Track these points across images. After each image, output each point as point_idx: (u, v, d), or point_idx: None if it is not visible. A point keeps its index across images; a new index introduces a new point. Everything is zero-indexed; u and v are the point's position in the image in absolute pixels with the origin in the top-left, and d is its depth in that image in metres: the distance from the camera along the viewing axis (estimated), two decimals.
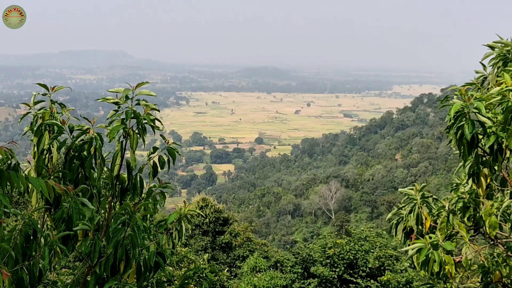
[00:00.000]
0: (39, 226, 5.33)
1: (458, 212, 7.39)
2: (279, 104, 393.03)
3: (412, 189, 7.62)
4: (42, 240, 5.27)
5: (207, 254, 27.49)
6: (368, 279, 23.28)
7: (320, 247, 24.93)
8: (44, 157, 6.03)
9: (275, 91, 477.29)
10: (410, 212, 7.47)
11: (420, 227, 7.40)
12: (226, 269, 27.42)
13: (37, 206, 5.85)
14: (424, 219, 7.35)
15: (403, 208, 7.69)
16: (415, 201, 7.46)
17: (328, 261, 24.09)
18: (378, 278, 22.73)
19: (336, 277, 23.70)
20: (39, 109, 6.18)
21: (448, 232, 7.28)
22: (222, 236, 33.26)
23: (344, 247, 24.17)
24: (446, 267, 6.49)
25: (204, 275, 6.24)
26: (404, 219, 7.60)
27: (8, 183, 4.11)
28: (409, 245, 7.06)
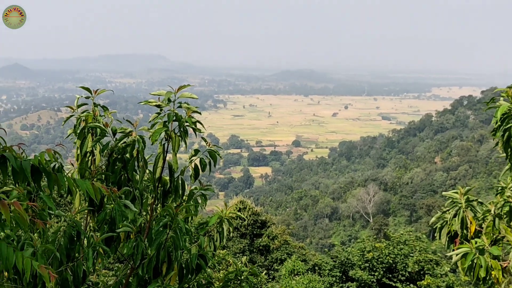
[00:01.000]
0: (82, 227, 5.38)
1: (505, 216, 7.20)
2: (316, 106, 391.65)
3: (456, 192, 7.46)
4: (85, 241, 5.32)
5: (245, 256, 27.48)
6: (408, 283, 23.02)
7: (358, 251, 24.75)
8: (87, 159, 6.09)
9: (312, 93, 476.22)
10: (454, 216, 7.31)
11: (465, 231, 7.24)
12: (264, 272, 27.39)
13: (80, 208, 5.91)
14: (469, 223, 7.18)
15: (447, 212, 7.53)
16: (459, 205, 7.29)
17: (367, 264, 23.90)
18: (417, 283, 22.41)
19: (375, 281, 23.49)
20: (82, 112, 6.24)
21: (494, 236, 7.11)
22: (260, 239, 33.23)
23: (383, 251, 23.94)
24: (493, 272, 6.34)
25: (244, 277, 6.21)
26: (448, 223, 7.43)
27: (55, 185, 4.15)
28: (453, 249, 6.92)
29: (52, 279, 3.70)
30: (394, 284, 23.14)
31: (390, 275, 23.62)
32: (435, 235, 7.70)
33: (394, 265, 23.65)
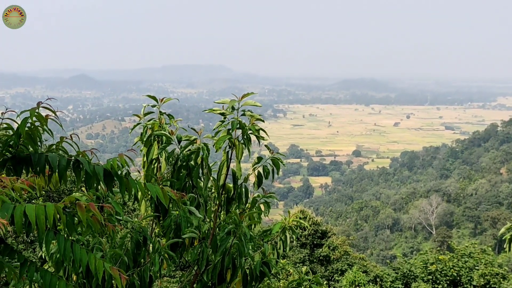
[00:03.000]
0: (148, 233, 5.49)
1: None
2: (377, 116, 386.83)
3: None
4: (151, 247, 5.42)
5: (305, 266, 27.39)
6: None
7: (421, 263, 24.28)
8: (153, 166, 6.21)
9: (373, 103, 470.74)
10: None
11: None
12: (325, 283, 27.19)
13: (146, 214, 6.02)
14: None
15: None
16: None
17: (430, 277, 23.41)
18: None
19: None
20: (149, 120, 6.37)
21: None
22: (320, 249, 33.06)
23: (447, 263, 23.40)
24: None
25: (308, 285, 6.18)
26: None
27: (126, 189, 4.26)
28: None
29: (123, 280, 3.78)
30: None
31: None
32: (504, 246, 7.49)
33: (458, 278, 23.07)
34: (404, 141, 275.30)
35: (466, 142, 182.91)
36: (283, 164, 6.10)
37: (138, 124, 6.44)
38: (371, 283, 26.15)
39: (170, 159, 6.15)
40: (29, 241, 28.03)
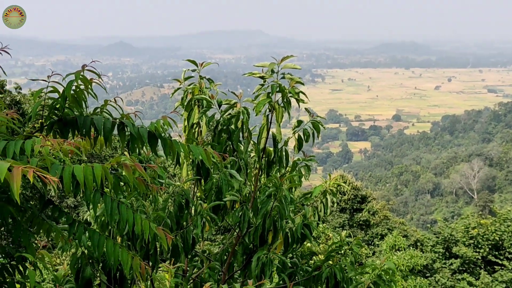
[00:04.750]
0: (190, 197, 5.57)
1: None
2: (418, 80, 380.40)
3: None
4: (193, 210, 5.50)
5: (345, 231, 27.46)
6: None
7: (463, 227, 24.13)
8: (194, 131, 6.26)
9: (414, 66, 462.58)
10: None
11: None
12: (365, 247, 27.25)
13: (187, 177, 6.10)
14: None
15: None
16: None
17: (472, 241, 23.28)
18: None
19: (480, 258, 22.86)
20: (189, 85, 6.41)
21: None
22: (360, 214, 33.06)
23: (489, 228, 23.23)
24: None
25: (349, 248, 6.20)
26: None
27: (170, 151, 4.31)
28: None
29: (169, 240, 3.86)
30: (500, 262, 22.41)
31: (496, 253, 22.90)
32: None
33: (500, 242, 22.89)
34: (445, 104, 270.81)
35: (509, 105, 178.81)
36: (324, 127, 6.08)
37: (178, 89, 6.48)
38: (411, 247, 26.12)
39: (211, 123, 6.19)
40: (73, 206, 28.68)
